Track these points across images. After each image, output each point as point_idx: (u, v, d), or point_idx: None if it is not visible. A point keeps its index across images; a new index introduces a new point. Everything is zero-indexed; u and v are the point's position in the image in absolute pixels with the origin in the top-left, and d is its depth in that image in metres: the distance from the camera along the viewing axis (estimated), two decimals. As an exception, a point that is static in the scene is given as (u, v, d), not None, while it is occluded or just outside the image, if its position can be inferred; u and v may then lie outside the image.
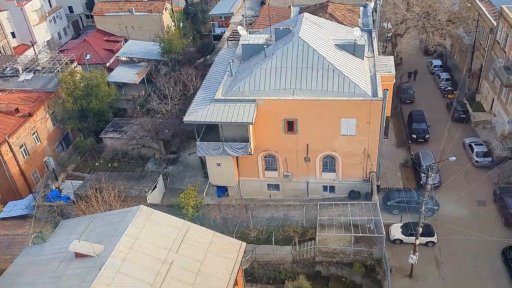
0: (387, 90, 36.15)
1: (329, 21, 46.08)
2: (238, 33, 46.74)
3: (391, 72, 39.27)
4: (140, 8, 76.13)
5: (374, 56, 42.06)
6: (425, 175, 40.19)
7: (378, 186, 41.05)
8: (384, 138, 42.56)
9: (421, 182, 41.50)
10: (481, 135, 46.83)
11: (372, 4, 54.26)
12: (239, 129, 38.15)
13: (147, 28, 74.66)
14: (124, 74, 59.88)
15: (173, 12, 78.21)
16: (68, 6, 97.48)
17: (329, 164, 40.81)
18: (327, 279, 36.60)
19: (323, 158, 40.43)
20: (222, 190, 43.88)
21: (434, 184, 40.78)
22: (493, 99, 48.21)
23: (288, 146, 39.91)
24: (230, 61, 41.48)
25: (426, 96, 56.32)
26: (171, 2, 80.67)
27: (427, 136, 47.30)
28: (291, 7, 59.54)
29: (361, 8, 55.67)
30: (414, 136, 47.55)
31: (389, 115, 41.58)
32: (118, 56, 63.79)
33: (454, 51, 63.81)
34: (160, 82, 46.85)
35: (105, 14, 76.64)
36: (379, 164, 40.19)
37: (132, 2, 78.31)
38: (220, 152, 38.81)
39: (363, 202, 38.35)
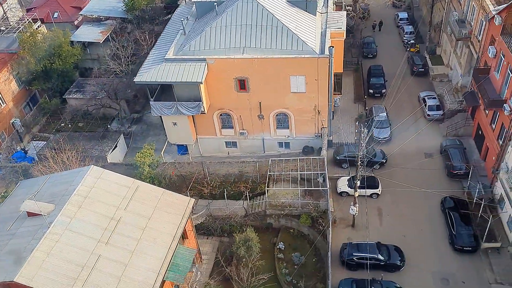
0: (333, 47, 36.50)
1: (284, -24, 45.35)
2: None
3: (341, 28, 39.42)
4: (107, -38, 73.76)
5: (327, 12, 42.02)
6: (377, 129, 41.67)
7: (330, 141, 42.26)
8: (337, 94, 43.47)
9: (374, 136, 42.63)
10: (437, 89, 47.58)
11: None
12: (191, 89, 38.68)
13: (115, -17, 72.74)
14: (88, 33, 59.18)
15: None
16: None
17: (282, 121, 41.75)
18: (279, 230, 38.44)
19: (276, 115, 41.31)
20: (182, 148, 44.95)
21: (385, 138, 42.29)
22: (451, 53, 48.61)
23: (242, 104, 40.66)
24: (182, 19, 41.38)
25: (389, 49, 56.48)
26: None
27: (383, 91, 47.99)
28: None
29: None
30: (371, 91, 48.23)
31: (342, 71, 42.22)
32: (82, 15, 62.78)
33: (422, 3, 63.25)
34: (112, 43, 46.74)
35: (71, -31, 74.35)
36: (330, 120, 41.16)
37: (99, -44, 75.88)
38: (173, 111, 39.56)
39: (311, 157, 39.64)
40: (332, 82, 40.91)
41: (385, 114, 35.84)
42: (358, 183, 33.41)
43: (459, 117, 42.78)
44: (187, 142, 43.17)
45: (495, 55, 35.92)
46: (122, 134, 46.40)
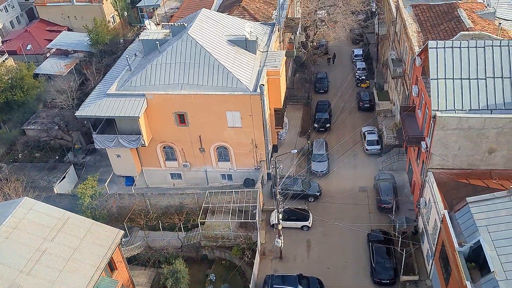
0: (263, 85, 38.25)
1: (229, 16, 47.63)
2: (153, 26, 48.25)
3: (277, 67, 41.24)
4: (81, -2, 77.01)
5: (267, 51, 44.01)
6: (316, 162, 43.07)
7: (270, 174, 43.55)
8: (279, 128, 45.02)
9: (312, 169, 44.04)
10: (380, 124, 49.19)
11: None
12: (132, 122, 40.18)
13: (89, 18, 75.45)
14: (53, 66, 61.23)
15: (116, 2, 79.07)
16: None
17: (223, 154, 43.16)
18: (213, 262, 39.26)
19: (217, 148, 42.75)
20: (130, 180, 46.13)
21: (322, 171, 43.65)
22: (394, 89, 50.52)
23: (182, 137, 42.14)
24: (127, 56, 43.34)
25: (341, 85, 58.39)
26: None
27: (327, 125, 49.61)
28: (216, -2, 60.98)
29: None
30: (316, 125, 49.86)
31: (281, 107, 43.81)
32: (49, 48, 65.11)
33: (378, 40, 65.68)
34: (57, 78, 49.01)
35: (47, 4, 77.55)
36: (267, 153, 42.54)
37: (73, -8, 79.32)
38: (114, 144, 40.93)
39: (246, 189, 40.84)
40: (270, 117, 42.81)
41: (295, 151, 37.63)
42: (281, 216, 34.49)
43: (394, 152, 44.26)
44: (131, 174, 44.39)
45: (418, 93, 37.68)
46: (72, 165, 47.67)
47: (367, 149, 45.84)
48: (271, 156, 45.43)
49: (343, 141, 45.33)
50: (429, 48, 33.25)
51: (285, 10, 54.24)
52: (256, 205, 38.74)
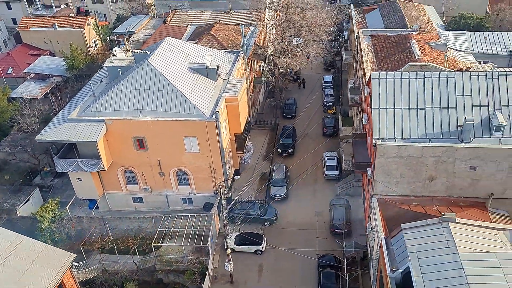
0: (218, 111, 39.40)
1: (194, 44, 49.11)
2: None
3: (235, 94, 42.50)
4: (63, 24, 78.90)
5: (229, 78, 45.33)
6: (274, 187, 43.89)
7: (229, 198, 44.25)
8: (240, 153, 45.99)
9: (270, 194, 44.85)
10: (342, 150, 50.20)
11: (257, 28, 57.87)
12: (92, 147, 41.08)
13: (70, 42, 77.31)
14: (29, 90, 62.43)
15: (98, 27, 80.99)
16: (12, 18, 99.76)
17: (183, 178, 43.99)
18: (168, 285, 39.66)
19: (176, 172, 43.61)
20: (93, 202, 46.76)
21: (280, 195, 44.46)
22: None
23: (142, 161, 43.02)
24: (90, 82, 44.56)
25: (310, 110, 59.63)
26: (96, 17, 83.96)
27: (290, 150, 50.62)
28: (189, 26, 62.71)
29: (251, 28, 59.01)
30: (279, 150, 50.86)
31: (241, 133, 44.86)
32: (27, 72, 66.48)
33: (348, 67, 67.32)
34: (22, 103, 50.34)
35: (30, 29, 79.31)
36: (226, 178, 43.37)
37: (56, 18, 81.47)
38: (75, 168, 41.75)
39: (201, 214, 41.54)
40: (231, 142, 43.85)
41: (238, 177, 38.47)
42: (229, 240, 35.09)
43: (351, 177, 45.15)
44: (93, 197, 45.06)
45: (367, 121, 38.80)
46: (37, 188, 48.31)
47: (326, 174, 46.73)
48: (232, 180, 46.30)
49: (298, 161, 46.14)
50: (372, 79, 34.54)
51: (254, 39, 55.87)
52: (209, 229, 39.33)
